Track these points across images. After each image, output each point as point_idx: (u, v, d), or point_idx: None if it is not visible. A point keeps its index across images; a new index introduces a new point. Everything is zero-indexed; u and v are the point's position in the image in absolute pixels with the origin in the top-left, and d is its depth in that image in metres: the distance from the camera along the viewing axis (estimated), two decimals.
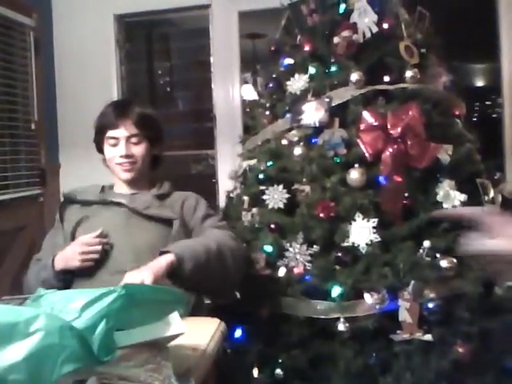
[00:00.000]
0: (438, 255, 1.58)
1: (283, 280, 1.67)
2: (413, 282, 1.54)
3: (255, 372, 1.67)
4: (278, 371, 1.64)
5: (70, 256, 1.38)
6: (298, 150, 1.77)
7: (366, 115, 1.69)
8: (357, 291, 1.58)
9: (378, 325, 1.55)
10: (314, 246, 1.66)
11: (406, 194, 1.64)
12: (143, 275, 1.16)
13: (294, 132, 1.83)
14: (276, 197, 1.77)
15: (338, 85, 1.79)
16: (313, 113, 1.77)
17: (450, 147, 1.70)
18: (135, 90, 3.41)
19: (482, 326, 1.53)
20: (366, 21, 1.78)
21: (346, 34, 1.78)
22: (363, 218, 1.61)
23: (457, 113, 1.91)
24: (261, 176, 1.84)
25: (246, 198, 1.90)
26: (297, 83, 1.85)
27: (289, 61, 1.97)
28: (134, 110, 1.54)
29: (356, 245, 1.60)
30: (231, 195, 2.08)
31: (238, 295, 1.74)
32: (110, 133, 1.52)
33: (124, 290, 0.76)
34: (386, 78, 1.77)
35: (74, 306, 0.75)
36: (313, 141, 1.79)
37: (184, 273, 1.25)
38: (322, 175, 1.71)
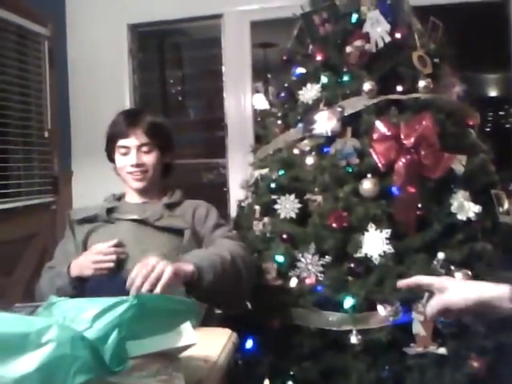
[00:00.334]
0: (452, 267, 1.55)
1: (295, 291, 1.66)
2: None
3: None
4: (290, 383, 1.62)
5: (84, 264, 1.39)
6: (310, 160, 1.76)
7: (379, 125, 1.68)
8: (370, 303, 1.56)
9: (391, 337, 1.53)
10: (326, 257, 1.64)
11: (420, 205, 1.63)
12: (165, 265, 1.11)
13: (305, 141, 1.83)
14: (288, 206, 1.76)
15: (351, 94, 1.78)
16: (325, 122, 1.76)
17: (463, 157, 1.69)
18: (147, 99, 3.44)
19: (498, 340, 1.50)
20: (378, 30, 1.78)
21: (358, 43, 1.78)
22: (376, 229, 1.59)
23: (470, 123, 1.89)
24: (272, 185, 1.84)
25: (257, 207, 1.90)
26: (309, 93, 1.85)
27: (301, 70, 1.96)
28: (144, 118, 1.54)
29: (369, 256, 1.58)
30: (242, 204, 2.08)
31: (250, 306, 1.73)
32: (121, 142, 1.52)
33: (136, 299, 0.76)
34: (399, 88, 1.76)
35: (86, 316, 0.74)
36: (325, 150, 1.78)
37: (203, 284, 1.23)
38: (334, 185, 1.70)
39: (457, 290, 0.89)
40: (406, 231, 1.63)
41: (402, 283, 1.02)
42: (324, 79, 1.84)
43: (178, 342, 0.84)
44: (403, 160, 1.63)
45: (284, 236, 1.73)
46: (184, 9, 3.08)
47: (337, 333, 1.58)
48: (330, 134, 1.75)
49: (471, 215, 1.62)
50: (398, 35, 1.79)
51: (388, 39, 1.77)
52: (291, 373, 1.63)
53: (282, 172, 1.84)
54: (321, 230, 1.66)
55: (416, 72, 1.77)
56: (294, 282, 1.67)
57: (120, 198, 1.65)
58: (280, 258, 1.71)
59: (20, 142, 2.88)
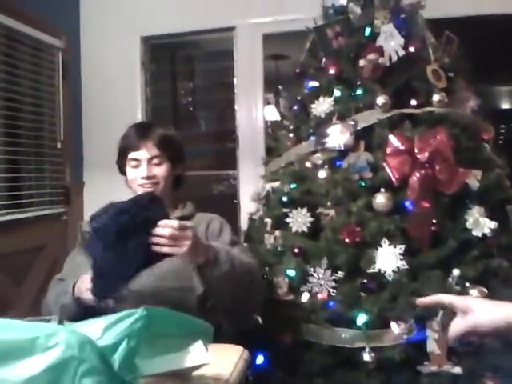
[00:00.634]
0: (467, 284, 1.53)
1: (306, 306, 1.63)
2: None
3: None
4: None
5: (80, 288, 1.34)
6: (322, 173, 1.75)
7: (393, 139, 1.66)
8: (383, 320, 1.54)
9: (405, 355, 1.49)
10: (339, 272, 1.62)
11: (434, 221, 1.60)
12: (189, 238, 1.17)
13: (318, 155, 1.82)
14: (300, 220, 1.74)
15: (364, 108, 1.77)
16: (338, 136, 1.75)
17: (478, 173, 1.66)
18: (159, 111, 3.45)
19: None
20: (392, 44, 1.77)
21: (371, 56, 1.77)
22: (390, 244, 1.57)
23: (485, 137, 1.87)
24: (284, 198, 1.82)
25: (268, 220, 1.88)
26: (321, 106, 1.84)
27: (313, 83, 1.96)
28: (155, 131, 1.54)
29: (382, 271, 1.56)
30: (253, 217, 2.06)
31: (260, 320, 1.70)
32: (132, 154, 1.52)
33: (145, 311, 0.76)
34: (413, 102, 1.74)
35: (97, 328, 0.74)
36: (337, 164, 1.76)
37: (215, 272, 1.25)
38: (347, 199, 1.68)
39: (483, 311, 0.83)
40: (420, 247, 1.60)
41: (421, 301, 0.96)
42: (337, 93, 1.83)
43: (190, 361, 0.82)
44: (417, 175, 1.61)
45: (296, 250, 1.72)
46: (197, 21, 3.10)
47: (349, 350, 1.56)
48: (342, 148, 1.74)
49: (487, 231, 1.60)
50: (411, 49, 1.78)
51: (402, 53, 1.76)
52: None
53: (293, 185, 1.82)
54: (333, 245, 1.64)
55: (430, 86, 1.76)
56: (305, 297, 1.65)
57: None
58: (291, 273, 1.70)
59: (32, 153, 2.90)
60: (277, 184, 1.92)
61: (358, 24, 1.88)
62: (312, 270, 1.65)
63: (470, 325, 0.83)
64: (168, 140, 1.56)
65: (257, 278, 1.40)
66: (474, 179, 1.65)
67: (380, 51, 1.78)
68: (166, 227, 1.16)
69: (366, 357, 1.51)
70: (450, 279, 1.53)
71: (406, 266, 1.55)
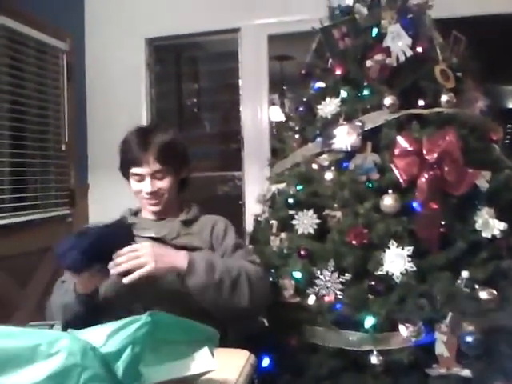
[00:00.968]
0: (476, 286, 1.51)
1: (313, 308, 1.62)
2: (450, 314, 1.47)
3: None
4: None
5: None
6: (329, 175, 1.73)
7: (401, 140, 1.64)
8: (391, 322, 1.51)
9: (413, 358, 1.47)
10: (346, 274, 1.60)
11: (443, 222, 1.58)
12: (150, 261, 1.22)
13: (324, 156, 1.80)
14: (306, 222, 1.73)
15: (371, 109, 1.75)
16: (344, 137, 1.73)
17: (488, 173, 1.64)
18: (164, 112, 3.45)
19: None
20: (399, 44, 1.75)
21: (378, 57, 1.75)
22: (398, 246, 1.55)
23: (494, 138, 1.85)
24: (290, 200, 1.81)
25: (274, 222, 1.87)
26: (328, 107, 1.83)
27: (320, 84, 1.94)
28: (155, 139, 1.49)
29: (390, 273, 1.54)
30: (259, 219, 2.05)
31: (266, 323, 1.69)
32: (134, 170, 1.50)
33: (150, 317, 0.75)
34: (421, 102, 1.72)
35: (101, 335, 0.73)
36: (344, 165, 1.75)
37: (189, 283, 1.28)
38: (354, 201, 1.66)
39: None
40: (428, 249, 1.58)
41: None
42: (343, 93, 1.82)
43: (196, 368, 0.81)
44: (426, 176, 1.59)
45: (302, 252, 1.70)
46: (201, 23, 3.09)
47: (357, 353, 1.54)
48: (349, 149, 1.72)
49: (496, 232, 1.58)
50: (419, 49, 1.76)
51: (409, 53, 1.74)
52: None
53: (300, 187, 1.81)
54: (340, 247, 1.63)
55: (438, 86, 1.74)
56: (312, 300, 1.64)
57: (137, 212, 1.63)
58: (298, 275, 1.68)
59: (37, 155, 2.91)
60: (282, 185, 1.91)
61: (364, 24, 1.86)
62: (319, 272, 1.64)
63: None
64: (169, 150, 1.50)
65: (256, 282, 1.36)
66: (483, 180, 1.63)
67: (387, 52, 1.76)
68: (120, 255, 1.22)
69: (374, 360, 1.49)
70: (458, 281, 1.51)
71: (414, 268, 1.53)
